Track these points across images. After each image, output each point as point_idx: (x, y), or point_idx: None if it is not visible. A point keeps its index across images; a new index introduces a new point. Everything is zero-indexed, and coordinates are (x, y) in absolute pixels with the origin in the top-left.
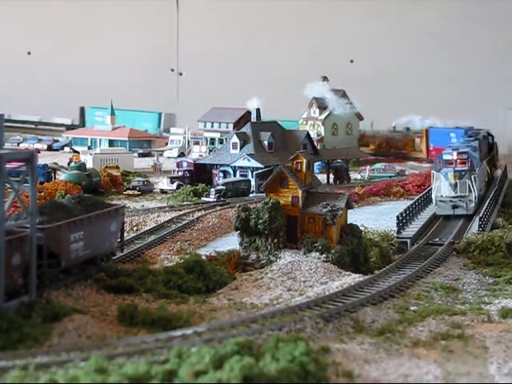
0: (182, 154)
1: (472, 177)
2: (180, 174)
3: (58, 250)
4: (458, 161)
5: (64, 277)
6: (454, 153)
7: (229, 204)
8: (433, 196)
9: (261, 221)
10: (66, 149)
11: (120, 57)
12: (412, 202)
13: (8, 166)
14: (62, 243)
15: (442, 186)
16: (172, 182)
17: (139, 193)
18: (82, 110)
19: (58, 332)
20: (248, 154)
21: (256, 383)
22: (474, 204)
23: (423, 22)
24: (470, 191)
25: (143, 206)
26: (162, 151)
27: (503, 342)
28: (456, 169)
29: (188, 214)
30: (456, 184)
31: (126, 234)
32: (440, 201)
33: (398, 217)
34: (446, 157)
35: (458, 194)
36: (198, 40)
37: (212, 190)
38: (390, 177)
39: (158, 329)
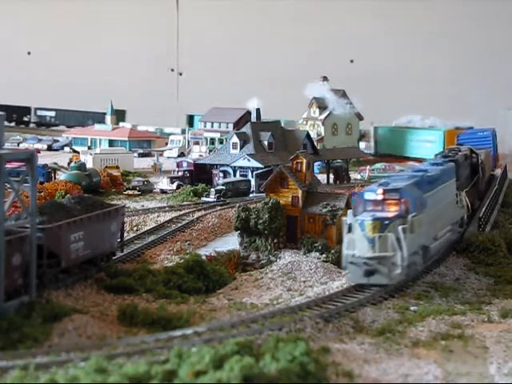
0: (181, 154)
1: (400, 228)
2: (180, 174)
3: (58, 249)
4: (387, 202)
5: (64, 277)
6: (380, 190)
7: (229, 204)
8: (343, 254)
9: (261, 221)
10: (66, 149)
11: (120, 57)
12: None
13: (8, 166)
14: (62, 243)
15: (357, 241)
16: (172, 182)
17: (139, 193)
18: (191, 117)
19: (57, 332)
20: (248, 154)
21: (256, 383)
22: (400, 270)
23: (423, 22)
24: (395, 250)
25: (143, 205)
26: (162, 151)
27: (503, 342)
28: (376, 216)
29: (188, 214)
30: (374, 239)
31: (126, 234)
32: (351, 262)
33: None
34: (368, 195)
35: (377, 253)
36: (198, 40)
37: (212, 189)
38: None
39: (157, 329)
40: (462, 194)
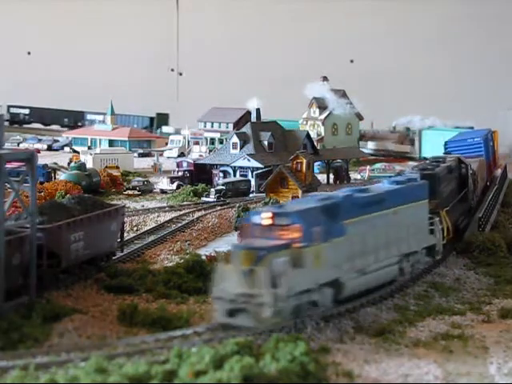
0: (181, 154)
1: (279, 261)
2: (180, 174)
3: (58, 249)
4: (275, 229)
5: (64, 277)
6: (268, 213)
7: (229, 204)
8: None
9: None
10: (66, 149)
11: (120, 57)
12: None
13: (8, 166)
14: (62, 243)
15: (229, 272)
16: (172, 182)
17: (139, 193)
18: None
19: (57, 332)
20: (248, 154)
21: (256, 383)
22: (271, 312)
23: (423, 22)
24: (268, 288)
25: (143, 205)
26: (162, 151)
27: (503, 342)
28: (252, 245)
29: (188, 214)
30: (246, 272)
31: (125, 234)
32: (217, 297)
33: None
34: (256, 219)
35: (245, 290)
36: (198, 40)
37: (212, 189)
38: (390, 177)
39: (158, 329)
40: (441, 214)
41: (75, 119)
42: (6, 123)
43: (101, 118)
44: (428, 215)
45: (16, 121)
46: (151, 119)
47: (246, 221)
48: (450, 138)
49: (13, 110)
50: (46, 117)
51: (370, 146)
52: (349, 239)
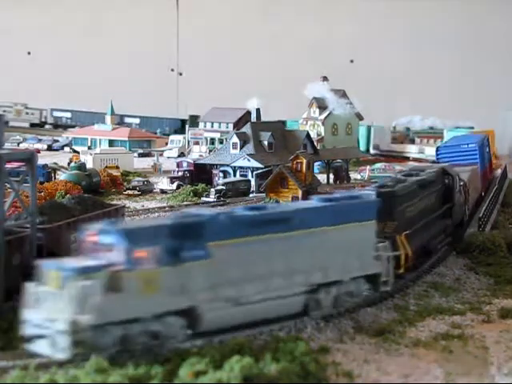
0: (181, 154)
1: (84, 286)
2: (180, 174)
3: (58, 250)
4: (101, 248)
5: None
6: (92, 231)
7: (229, 204)
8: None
9: None
10: (66, 149)
11: (120, 57)
12: None
13: (8, 165)
14: (62, 243)
15: (37, 292)
16: (172, 182)
17: (139, 193)
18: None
19: None
20: (248, 154)
21: (256, 383)
22: (69, 341)
23: (424, 22)
24: (69, 313)
25: (143, 206)
26: (162, 151)
27: (503, 342)
28: (59, 265)
29: None
30: (53, 295)
31: None
32: (24, 319)
33: None
34: (83, 235)
35: (49, 314)
36: (198, 40)
37: (212, 190)
38: (390, 177)
39: None
40: (398, 239)
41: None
42: (50, 126)
43: (137, 121)
44: (375, 239)
45: (59, 124)
46: (182, 121)
47: (82, 236)
48: (442, 144)
49: (56, 114)
50: (86, 119)
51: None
52: (215, 264)
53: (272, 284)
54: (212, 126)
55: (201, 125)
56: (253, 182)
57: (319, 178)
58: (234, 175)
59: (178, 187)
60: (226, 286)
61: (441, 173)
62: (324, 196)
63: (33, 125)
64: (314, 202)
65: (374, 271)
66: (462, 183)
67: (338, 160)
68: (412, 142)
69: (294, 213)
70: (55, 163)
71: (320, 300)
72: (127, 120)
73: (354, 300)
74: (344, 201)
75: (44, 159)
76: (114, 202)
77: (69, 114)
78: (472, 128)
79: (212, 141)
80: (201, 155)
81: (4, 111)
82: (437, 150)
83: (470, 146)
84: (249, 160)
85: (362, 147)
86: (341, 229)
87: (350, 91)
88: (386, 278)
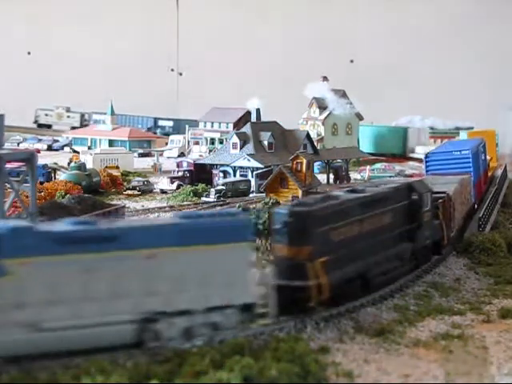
0: (182, 154)
1: None
2: (180, 174)
3: None
4: None
5: None
6: None
7: (229, 204)
8: None
9: (260, 221)
10: (66, 149)
11: (120, 57)
12: None
13: (8, 165)
14: None
15: None
16: (172, 182)
17: (139, 193)
18: None
19: None
20: (248, 154)
21: (256, 383)
22: None
23: (424, 22)
24: None
25: (143, 206)
26: (162, 151)
27: (503, 342)
28: None
29: None
30: None
31: None
32: None
33: None
34: None
35: None
36: (198, 40)
37: (212, 190)
38: (390, 177)
39: None
40: (308, 266)
41: (148, 125)
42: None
43: (170, 123)
44: (251, 264)
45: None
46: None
47: None
48: (432, 150)
49: (95, 117)
50: (123, 122)
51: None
52: (12, 283)
53: (87, 310)
54: (212, 126)
55: (201, 125)
56: (253, 182)
57: (319, 178)
58: (234, 175)
59: (178, 187)
60: (23, 308)
61: (405, 189)
62: (184, 212)
63: (73, 128)
64: (164, 219)
65: (246, 301)
66: (443, 199)
67: (338, 160)
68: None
69: (122, 230)
70: (55, 163)
71: (160, 331)
72: (161, 123)
73: (222, 332)
74: (203, 219)
75: (44, 159)
76: (114, 202)
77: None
78: (472, 128)
79: (212, 141)
80: (201, 155)
81: (46, 115)
82: (426, 156)
83: (462, 152)
84: (249, 160)
85: (397, 150)
86: (193, 251)
87: (350, 91)
88: (266, 310)
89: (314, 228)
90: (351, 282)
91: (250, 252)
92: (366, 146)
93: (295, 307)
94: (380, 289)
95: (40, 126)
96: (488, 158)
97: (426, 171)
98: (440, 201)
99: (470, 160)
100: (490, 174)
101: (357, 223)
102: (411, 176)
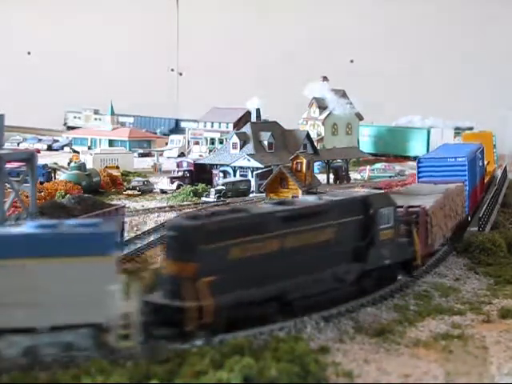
0: (182, 154)
1: None
2: (180, 174)
3: None
4: None
5: None
6: None
7: (229, 204)
8: None
9: None
10: (66, 149)
11: (119, 57)
12: None
13: (8, 165)
14: None
15: None
16: (172, 182)
17: (139, 193)
18: None
19: None
20: (248, 154)
21: (256, 383)
22: None
23: (423, 22)
24: None
25: (143, 206)
26: (162, 151)
27: (503, 342)
28: None
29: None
30: None
31: (126, 234)
32: None
33: None
34: None
35: None
36: (198, 40)
37: (212, 190)
38: (390, 177)
39: None
40: (187, 286)
41: (170, 126)
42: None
43: (195, 125)
44: (109, 280)
45: None
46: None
47: None
48: (424, 155)
49: (121, 119)
50: (146, 124)
51: None
52: None
53: None
54: (212, 126)
55: (201, 125)
56: (253, 182)
57: (319, 178)
58: (234, 175)
59: (178, 187)
60: None
61: (357, 203)
62: (41, 222)
63: None
64: (18, 228)
65: (93, 321)
66: (417, 214)
67: (338, 160)
68: None
69: None
70: (55, 163)
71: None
72: (184, 124)
73: (80, 353)
74: (59, 229)
75: (44, 159)
76: (114, 202)
77: (131, 119)
78: (472, 128)
79: (212, 141)
80: (201, 155)
81: (74, 117)
82: (418, 161)
83: (458, 159)
84: (249, 160)
85: (420, 153)
86: (42, 263)
87: (350, 91)
88: (126, 332)
89: (203, 244)
90: (262, 304)
91: (112, 266)
92: (382, 148)
93: (172, 330)
94: (313, 312)
95: (69, 128)
96: (485, 162)
97: (418, 178)
98: (414, 216)
99: (466, 168)
100: (487, 179)
101: (273, 240)
102: (392, 185)
